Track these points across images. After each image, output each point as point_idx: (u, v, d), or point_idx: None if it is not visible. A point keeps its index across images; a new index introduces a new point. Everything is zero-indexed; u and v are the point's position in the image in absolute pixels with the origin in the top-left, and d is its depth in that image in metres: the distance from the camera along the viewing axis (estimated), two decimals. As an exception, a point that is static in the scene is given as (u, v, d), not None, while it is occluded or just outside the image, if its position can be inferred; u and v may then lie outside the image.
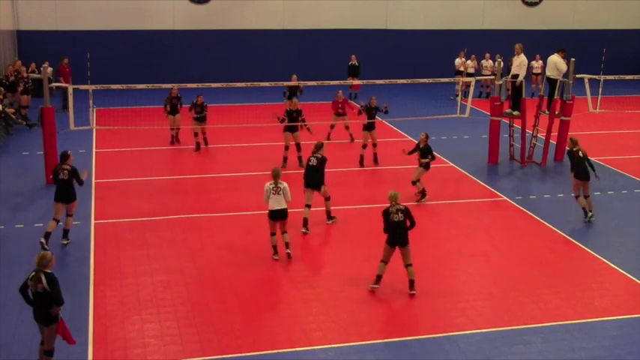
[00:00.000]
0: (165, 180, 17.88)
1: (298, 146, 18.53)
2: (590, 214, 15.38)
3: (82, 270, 12.56)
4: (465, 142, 21.75)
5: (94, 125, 21.09)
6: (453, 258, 13.56)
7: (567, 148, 15.72)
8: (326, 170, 14.82)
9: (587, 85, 20.01)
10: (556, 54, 19.35)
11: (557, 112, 19.68)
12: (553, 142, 20.07)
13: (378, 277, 11.97)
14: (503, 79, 19.91)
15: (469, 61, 28.54)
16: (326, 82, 21.17)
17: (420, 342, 10.55)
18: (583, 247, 14.19)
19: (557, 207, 16.34)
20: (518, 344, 10.56)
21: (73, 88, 18.01)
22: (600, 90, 20.40)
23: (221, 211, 15.45)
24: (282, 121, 18.45)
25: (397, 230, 11.72)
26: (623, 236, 14.80)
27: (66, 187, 13.44)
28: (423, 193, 16.46)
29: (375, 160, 19.20)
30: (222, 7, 29.27)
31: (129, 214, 15.33)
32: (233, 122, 21.46)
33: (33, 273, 9.02)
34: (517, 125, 20.30)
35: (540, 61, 26.95)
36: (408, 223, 11.84)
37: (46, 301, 9.02)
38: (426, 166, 16.46)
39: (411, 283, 11.92)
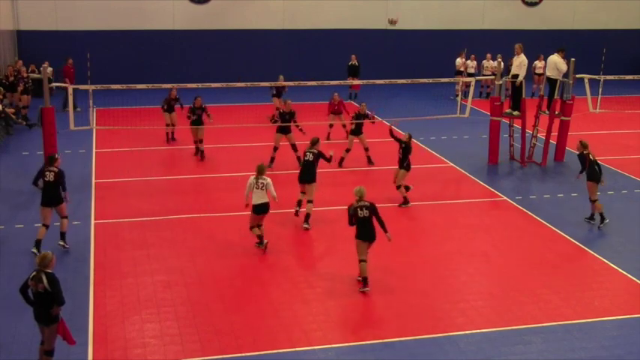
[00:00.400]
0: (165, 180, 17.87)
1: (294, 147, 18.53)
2: (607, 220, 15.22)
3: (82, 270, 12.56)
4: (465, 142, 21.75)
5: (94, 125, 21.10)
6: (453, 258, 13.55)
7: (578, 151, 15.53)
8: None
9: (587, 85, 20.01)
10: (556, 54, 19.36)
11: (557, 112, 19.69)
12: (553, 142, 20.07)
13: (365, 280, 12.00)
14: (504, 79, 19.91)
15: (469, 61, 28.54)
16: (326, 82, 21.18)
17: (420, 342, 10.54)
18: (583, 247, 14.19)
19: (557, 207, 16.34)
20: (518, 344, 10.56)
21: (73, 88, 18.02)
22: (600, 90, 20.39)
23: (221, 211, 15.45)
24: (275, 122, 18.53)
25: (365, 225, 11.90)
26: (623, 236, 14.80)
27: (52, 190, 13.06)
28: (405, 201, 16.17)
29: (370, 161, 19.15)
30: (222, 7, 29.27)
31: (129, 214, 15.33)
32: (233, 122, 21.46)
33: (34, 273, 9.02)
34: (517, 125, 20.30)
35: (543, 61, 26.92)
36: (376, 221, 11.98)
37: (46, 301, 9.02)
38: (407, 168, 16.14)
39: (365, 280, 11.98)
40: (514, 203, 16.57)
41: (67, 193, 13.39)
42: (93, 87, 18.19)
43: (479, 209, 16.32)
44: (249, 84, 20.74)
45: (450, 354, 10.27)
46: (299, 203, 15.12)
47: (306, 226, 14.64)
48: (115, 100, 22.79)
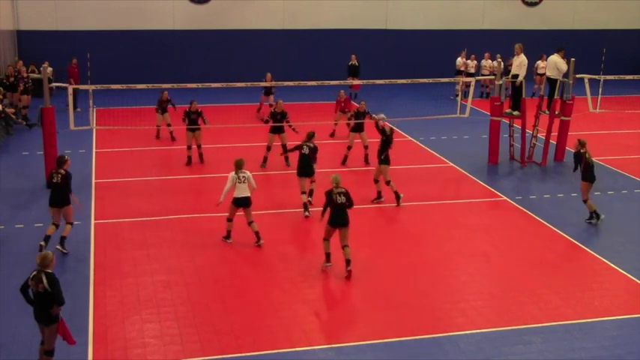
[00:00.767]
0: (166, 180, 17.87)
1: (284, 147, 18.42)
2: (602, 216, 15.32)
3: (82, 270, 12.56)
4: (465, 142, 21.75)
5: (94, 125, 21.10)
6: (453, 258, 13.56)
7: (575, 149, 15.57)
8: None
9: (587, 85, 20.01)
10: (556, 54, 19.36)
11: (557, 112, 19.69)
12: (553, 142, 20.07)
13: (328, 255, 12.68)
14: (503, 79, 19.91)
15: (469, 61, 28.54)
16: (326, 82, 21.18)
17: (420, 342, 10.55)
18: (583, 247, 14.19)
19: (557, 207, 16.34)
20: (518, 344, 10.56)
21: (73, 88, 18.02)
22: (600, 90, 20.39)
23: (221, 211, 15.42)
24: (267, 122, 18.58)
25: (339, 211, 12.38)
26: (623, 236, 14.80)
27: (58, 192, 13.20)
28: (379, 196, 16.14)
29: (366, 160, 19.15)
30: (222, 7, 29.27)
31: (129, 214, 15.33)
32: (233, 122, 21.47)
33: (34, 273, 9.02)
34: (517, 125, 20.31)
35: (546, 62, 26.92)
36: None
37: (46, 301, 9.02)
38: (385, 162, 15.93)
39: (348, 262, 12.45)
40: (514, 203, 16.57)
41: (73, 195, 13.48)
42: (93, 87, 18.18)
43: (479, 209, 16.32)
44: (249, 84, 20.74)
45: (450, 354, 10.27)
46: (306, 208, 15.29)
47: (309, 199, 15.45)
48: (115, 100, 22.78)
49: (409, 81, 20.84)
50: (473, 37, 30.62)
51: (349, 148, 19.07)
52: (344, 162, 19.00)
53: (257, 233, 13.72)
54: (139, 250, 13.50)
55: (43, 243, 13.09)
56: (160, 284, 12.11)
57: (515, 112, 19.68)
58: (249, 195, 13.59)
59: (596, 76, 20.67)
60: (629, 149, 21.45)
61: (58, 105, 18.89)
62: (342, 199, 12.36)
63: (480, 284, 12.54)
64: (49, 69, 21.59)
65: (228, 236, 13.91)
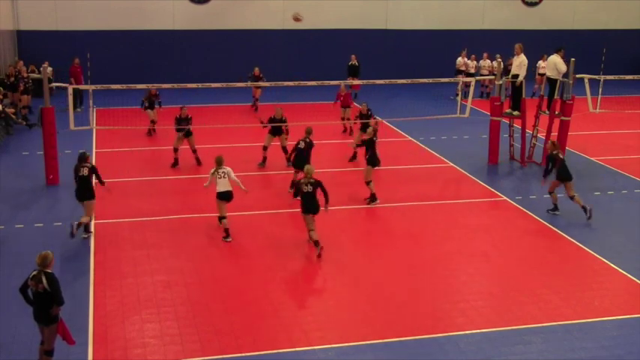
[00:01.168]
0: (165, 180, 17.87)
1: (284, 149, 18.52)
2: (557, 212, 15.79)
3: (82, 270, 12.56)
4: (465, 142, 21.75)
5: (94, 125, 21.10)
6: (453, 258, 13.55)
7: (549, 151, 16.14)
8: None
9: (587, 85, 19.99)
10: (555, 54, 19.35)
11: (557, 112, 19.68)
12: (553, 142, 20.05)
13: (316, 242, 13.35)
14: (503, 79, 19.90)
15: (469, 61, 28.54)
16: (326, 82, 21.19)
17: (420, 342, 10.55)
18: (583, 247, 14.18)
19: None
20: (518, 344, 10.56)
21: (76, 88, 18.02)
22: (600, 90, 20.36)
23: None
24: (265, 126, 18.65)
25: (307, 200, 13.35)
26: (623, 236, 14.80)
27: (85, 184, 13.80)
28: (373, 197, 16.13)
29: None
30: (222, 7, 29.27)
31: (129, 214, 15.33)
32: (233, 122, 21.47)
33: (34, 273, 9.02)
34: (517, 125, 20.31)
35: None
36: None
37: (46, 301, 9.02)
38: (370, 163, 16.04)
39: (316, 243, 13.27)
40: (514, 203, 16.57)
41: (106, 185, 14.31)
42: (93, 87, 18.18)
43: (479, 209, 16.32)
44: (249, 84, 20.74)
45: (450, 354, 10.27)
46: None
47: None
48: (115, 100, 22.77)
49: (409, 81, 20.83)
50: (473, 37, 30.62)
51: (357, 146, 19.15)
52: (353, 159, 19.23)
53: (226, 230, 14.10)
54: (139, 250, 13.50)
55: (75, 224, 13.45)
56: (160, 284, 12.11)
57: (515, 112, 19.68)
58: (230, 189, 14.14)
59: (596, 76, 20.65)
60: (629, 149, 21.44)
61: (58, 105, 18.88)
62: (308, 189, 13.31)
63: (480, 284, 12.54)
64: (49, 69, 21.60)
65: (227, 235, 14.01)
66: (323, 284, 12.32)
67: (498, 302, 11.82)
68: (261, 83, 22.94)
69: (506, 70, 22.52)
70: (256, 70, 24.30)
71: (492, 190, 17.57)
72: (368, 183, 16.10)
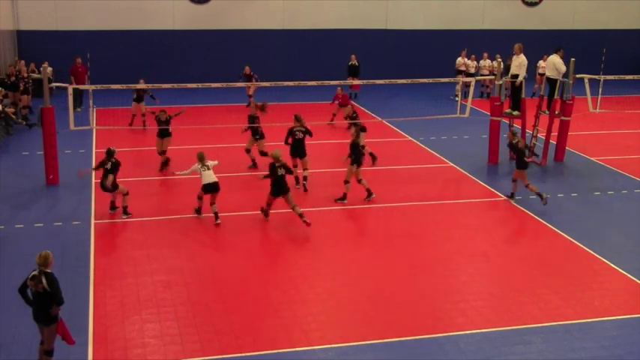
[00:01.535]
0: (165, 180, 17.87)
1: (263, 153, 18.25)
2: (545, 195, 16.14)
3: (82, 270, 12.55)
4: (465, 142, 21.75)
5: (94, 125, 21.10)
6: (453, 258, 13.55)
7: (508, 140, 16.92)
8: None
9: (587, 85, 20.00)
10: (555, 54, 19.36)
11: (557, 112, 19.69)
12: (553, 142, 20.07)
13: (266, 212, 14.74)
14: (503, 79, 19.90)
15: (469, 61, 28.54)
16: (326, 82, 21.18)
17: (420, 342, 10.54)
18: (583, 247, 14.18)
19: (557, 207, 16.32)
20: (518, 344, 10.56)
21: (73, 88, 18.02)
22: (600, 90, 20.38)
23: (221, 211, 15.42)
24: (245, 131, 18.64)
25: (280, 183, 14.41)
26: (623, 236, 14.80)
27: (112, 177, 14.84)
28: (344, 196, 16.09)
29: (373, 159, 19.11)
30: (222, 7, 29.28)
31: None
32: (233, 122, 21.44)
33: (33, 273, 9.01)
34: (517, 125, 20.30)
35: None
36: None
37: (46, 301, 9.01)
38: (354, 162, 16.00)
39: (301, 216, 14.22)
40: (514, 203, 16.57)
41: (115, 177, 14.97)
42: (93, 87, 18.18)
43: (479, 209, 16.32)
44: (249, 84, 20.74)
45: (450, 354, 10.27)
46: (297, 180, 16.73)
47: (304, 183, 16.64)
48: (115, 100, 22.79)
49: (409, 81, 20.84)
50: (473, 37, 30.62)
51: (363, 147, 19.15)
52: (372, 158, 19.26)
53: (216, 214, 14.62)
54: (139, 250, 13.50)
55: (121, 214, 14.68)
56: (160, 284, 12.11)
57: (515, 112, 19.69)
58: (217, 180, 14.68)
59: (596, 76, 20.66)
60: (629, 149, 21.44)
61: (59, 105, 18.87)
62: (282, 172, 14.41)
63: (480, 284, 12.54)
64: (49, 69, 21.59)
65: (199, 211, 14.91)
66: (323, 284, 12.31)
67: (498, 302, 11.81)
68: (254, 83, 23.18)
69: (507, 69, 22.51)
70: (247, 69, 24.84)
71: (492, 190, 17.56)
72: (346, 182, 16.06)
